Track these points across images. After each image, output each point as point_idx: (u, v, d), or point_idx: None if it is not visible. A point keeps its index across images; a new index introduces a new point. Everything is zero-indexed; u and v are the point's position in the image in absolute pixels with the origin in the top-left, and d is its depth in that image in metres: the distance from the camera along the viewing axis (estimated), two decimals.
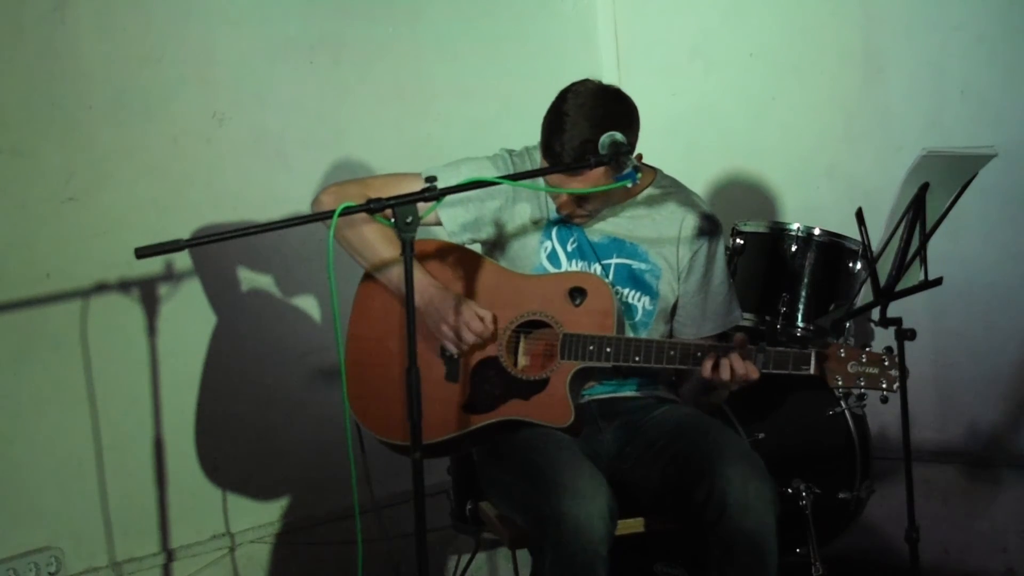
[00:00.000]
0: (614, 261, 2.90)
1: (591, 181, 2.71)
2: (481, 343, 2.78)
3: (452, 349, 2.80)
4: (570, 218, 2.87)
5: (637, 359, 2.72)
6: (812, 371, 2.64)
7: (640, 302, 2.90)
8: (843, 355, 2.63)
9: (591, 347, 2.73)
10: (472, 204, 2.89)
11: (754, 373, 2.66)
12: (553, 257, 2.90)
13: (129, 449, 3.36)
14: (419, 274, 2.78)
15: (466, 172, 2.78)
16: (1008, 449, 3.77)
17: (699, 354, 2.69)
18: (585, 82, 2.77)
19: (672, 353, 2.71)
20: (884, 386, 2.62)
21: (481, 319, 2.76)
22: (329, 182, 3.68)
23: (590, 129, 2.66)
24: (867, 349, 2.64)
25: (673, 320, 2.96)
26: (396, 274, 2.83)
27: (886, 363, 2.62)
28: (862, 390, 2.64)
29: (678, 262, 2.91)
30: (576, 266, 2.89)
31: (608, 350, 2.73)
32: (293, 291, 3.73)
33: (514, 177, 2.67)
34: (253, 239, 3.43)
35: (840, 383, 2.63)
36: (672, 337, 2.96)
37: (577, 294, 2.79)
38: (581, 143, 2.66)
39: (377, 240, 2.86)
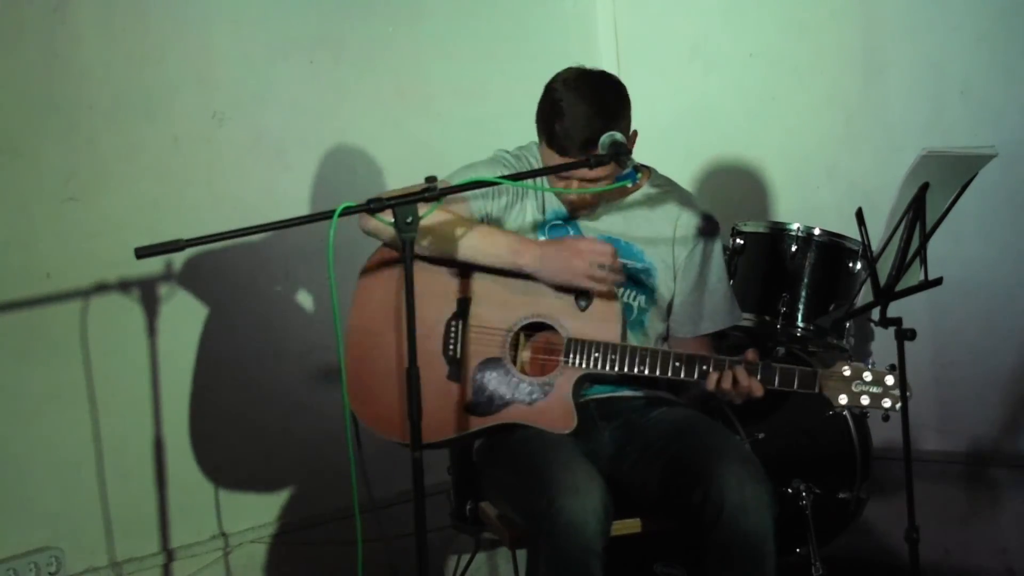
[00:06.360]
0: None
1: (598, 172, 2.71)
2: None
3: (609, 283, 2.72)
4: (579, 209, 2.86)
5: (642, 369, 2.71)
6: (817, 390, 2.67)
7: (636, 301, 2.90)
8: (848, 374, 2.66)
9: (596, 354, 2.73)
10: (477, 203, 2.87)
11: (758, 390, 2.67)
12: None
13: (129, 449, 3.36)
14: (510, 238, 2.75)
15: (477, 176, 2.73)
16: (1008, 449, 3.76)
17: (705, 367, 2.69)
18: (568, 69, 2.80)
19: (677, 364, 2.70)
20: (887, 405, 2.66)
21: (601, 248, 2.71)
22: (329, 182, 3.70)
23: (588, 108, 2.69)
24: (871, 366, 2.67)
25: (669, 319, 2.96)
26: (502, 244, 2.76)
27: (889, 383, 2.65)
28: (865, 409, 2.68)
29: (674, 261, 2.91)
30: None
31: (613, 357, 2.72)
32: (292, 291, 3.73)
33: (514, 177, 2.66)
34: (253, 239, 3.45)
35: (845, 403, 2.67)
36: (668, 335, 2.96)
37: (582, 298, 2.78)
38: (586, 121, 2.68)
39: (456, 232, 2.75)
